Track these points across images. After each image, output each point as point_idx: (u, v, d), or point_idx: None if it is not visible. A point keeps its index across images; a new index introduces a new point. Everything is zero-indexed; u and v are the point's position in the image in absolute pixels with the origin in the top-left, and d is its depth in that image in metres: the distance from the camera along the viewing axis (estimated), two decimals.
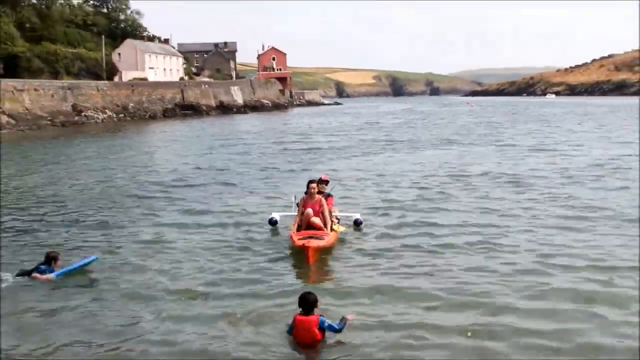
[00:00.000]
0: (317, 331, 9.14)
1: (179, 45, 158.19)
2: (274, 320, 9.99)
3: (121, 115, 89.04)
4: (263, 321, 9.98)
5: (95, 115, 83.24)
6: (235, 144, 45.97)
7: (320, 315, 9.30)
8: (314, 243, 13.56)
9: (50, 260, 12.64)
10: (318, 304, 9.43)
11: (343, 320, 9.41)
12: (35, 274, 12.37)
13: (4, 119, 67.33)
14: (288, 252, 14.21)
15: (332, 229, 15.04)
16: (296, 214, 15.56)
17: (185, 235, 16.07)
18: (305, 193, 15.65)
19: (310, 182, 15.70)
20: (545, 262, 13.13)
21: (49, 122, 73.51)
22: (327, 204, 15.53)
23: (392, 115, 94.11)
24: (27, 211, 20.36)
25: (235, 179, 26.74)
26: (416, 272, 12.61)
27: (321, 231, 14.61)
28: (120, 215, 19.12)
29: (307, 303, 9.30)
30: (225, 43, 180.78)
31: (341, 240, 15.20)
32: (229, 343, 9.32)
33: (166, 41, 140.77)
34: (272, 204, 19.97)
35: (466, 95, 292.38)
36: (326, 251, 14.05)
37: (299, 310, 9.35)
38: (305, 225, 14.88)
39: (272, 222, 16.52)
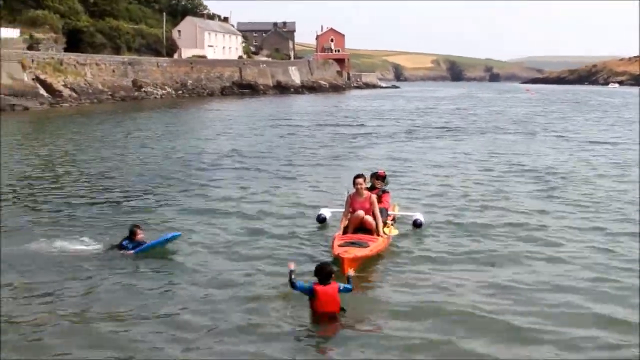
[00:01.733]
0: (338, 298, 9.33)
1: (238, 24, 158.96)
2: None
3: (180, 92, 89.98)
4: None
5: (155, 91, 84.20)
6: (289, 125, 45.75)
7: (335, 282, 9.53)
8: (351, 253, 11.58)
9: (130, 233, 12.78)
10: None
11: (349, 279, 9.71)
12: (121, 251, 12.52)
13: (67, 92, 68.47)
14: (331, 257, 12.04)
15: (383, 233, 13.13)
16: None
17: (213, 227, 14.89)
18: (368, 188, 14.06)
19: (357, 177, 13.67)
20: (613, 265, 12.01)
21: (109, 97, 74.60)
22: (383, 202, 14.09)
23: (449, 101, 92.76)
24: (95, 183, 20.93)
25: (281, 165, 25.34)
26: (474, 290, 10.70)
27: (369, 235, 12.78)
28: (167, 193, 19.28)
29: (325, 273, 9.43)
30: (285, 23, 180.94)
31: (393, 246, 13.34)
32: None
33: (226, 19, 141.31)
34: (321, 198, 18.41)
35: (526, 82, 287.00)
36: (371, 260, 12.19)
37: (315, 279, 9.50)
38: (354, 227, 13.09)
39: (321, 220, 14.94)
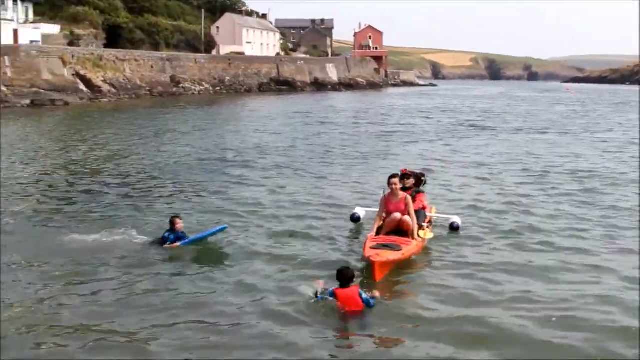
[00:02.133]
0: (359, 299, 9.48)
1: (277, 20, 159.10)
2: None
3: (217, 88, 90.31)
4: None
5: (192, 87, 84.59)
6: (325, 122, 45.51)
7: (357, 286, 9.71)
8: (383, 256, 11.19)
9: (170, 224, 12.88)
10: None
11: (374, 297, 9.75)
12: (166, 245, 12.61)
13: (106, 87, 69.10)
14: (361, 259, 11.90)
15: (418, 236, 12.66)
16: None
17: (246, 226, 14.67)
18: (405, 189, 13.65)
19: (392, 176, 13.24)
20: None
21: (147, 92, 75.12)
22: (417, 203, 13.62)
23: (487, 99, 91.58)
24: (136, 177, 21.24)
25: (315, 163, 25.18)
26: (505, 303, 10.09)
27: (403, 238, 12.31)
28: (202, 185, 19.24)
29: (345, 278, 9.67)
30: (323, 20, 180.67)
31: (427, 250, 12.93)
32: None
33: (264, 16, 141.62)
34: (355, 196, 18.10)
35: (566, 81, 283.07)
36: (404, 264, 11.80)
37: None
38: (388, 229, 12.66)
39: (355, 219, 14.56)
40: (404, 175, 14.26)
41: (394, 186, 12.98)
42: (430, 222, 14.01)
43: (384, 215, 12.97)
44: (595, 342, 8.74)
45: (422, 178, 15.56)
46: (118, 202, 17.33)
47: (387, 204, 12.98)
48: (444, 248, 13.20)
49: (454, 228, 14.14)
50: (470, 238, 13.96)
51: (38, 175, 21.54)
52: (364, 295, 9.56)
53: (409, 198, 13.02)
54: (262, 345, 8.53)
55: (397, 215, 12.66)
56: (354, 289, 9.57)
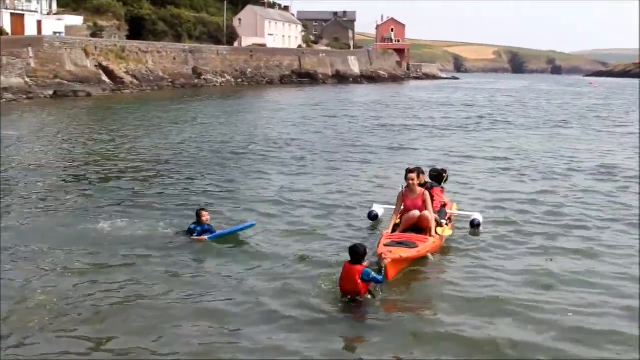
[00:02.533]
0: (359, 281, 9.44)
1: (299, 12, 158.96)
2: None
3: (239, 80, 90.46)
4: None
5: (214, 79, 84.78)
6: (345, 115, 45.33)
7: (366, 267, 9.62)
8: (396, 254, 10.79)
9: (197, 216, 12.94)
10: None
11: (382, 272, 9.94)
12: (193, 237, 12.68)
13: (128, 78, 69.45)
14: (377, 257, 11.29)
15: (436, 233, 12.29)
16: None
17: (264, 221, 14.48)
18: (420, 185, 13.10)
19: (409, 171, 12.86)
20: None
21: (169, 84, 75.39)
22: (436, 198, 13.32)
23: (509, 93, 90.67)
24: (157, 168, 21.29)
25: (334, 157, 24.87)
26: (514, 317, 9.33)
27: (420, 235, 11.96)
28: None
29: (357, 254, 9.63)
30: (345, 12, 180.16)
31: (445, 248, 12.54)
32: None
33: (286, 8, 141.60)
34: (374, 193, 17.75)
35: (589, 75, 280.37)
36: (418, 262, 11.44)
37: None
38: (405, 226, 12.29)
39: (373, 217, 14.19)
40: (417, 170, 13.56)
41: (411, 182, 12.61)
42: (450, 218, 13.65)
43: (400, 211, 12.66)
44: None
45: (444, 174, 15.21)
46: (144, 191, 17.58)
47: (404, 199, 12.65)
48: (462, 246, 12.86)
49: (474, 225, 13.77)
50: (490, 236, 13.57)
51: (64, 164, 21.92)
52: (371, 275, 9.47)
53: (427, 194, 12.62)
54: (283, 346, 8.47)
55: (416, 212, 12.27)
56: (357, 268, 9.48)
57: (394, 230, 12.39)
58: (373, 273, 9.56)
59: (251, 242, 12.85)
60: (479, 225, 13.76)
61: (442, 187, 14.85)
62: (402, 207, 12.66)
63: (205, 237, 12.63)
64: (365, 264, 9.67)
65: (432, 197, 13.09)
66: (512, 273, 11.29)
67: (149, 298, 9.81)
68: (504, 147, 28.83)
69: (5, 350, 8.00)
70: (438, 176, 14.99)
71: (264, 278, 10.78)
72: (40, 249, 11.94)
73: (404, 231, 12.23)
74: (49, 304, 9.42)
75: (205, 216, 12.90)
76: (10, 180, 18.60)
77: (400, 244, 11.43)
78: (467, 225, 13.99)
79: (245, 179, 19.92)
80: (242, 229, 12.99)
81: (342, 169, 22.29)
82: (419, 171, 13.45)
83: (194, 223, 12.87)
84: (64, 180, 19.02)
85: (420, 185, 13.22)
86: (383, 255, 10.63)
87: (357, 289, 9.47)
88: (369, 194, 17.84)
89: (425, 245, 11.70)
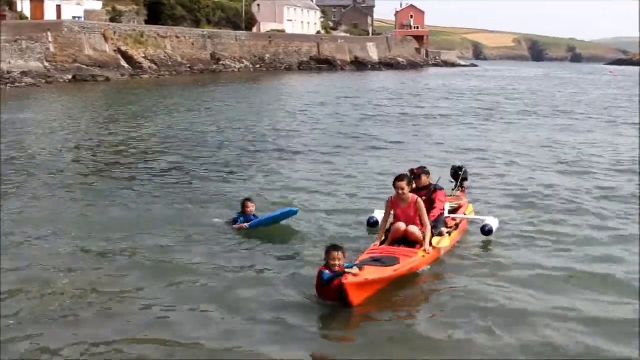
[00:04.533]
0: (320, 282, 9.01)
1: None
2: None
3: (257, 65, 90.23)
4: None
5: (233, 65, 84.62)
6: (362, 104, 44.13)
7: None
8: (359, 276, 8.98)
9: (242, 206, 12.78)
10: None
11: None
12: (234, 226, 12.53)
13: (146, 63, 69.42)
14: None
15: (429, 245, 10.55)
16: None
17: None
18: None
19: (397, 179, 10.80)
20: None
21: (187, 69, 75.31)
22: (437, 203, 11.58)
23: (528, 81, 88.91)
24: (183, 154, 21.33)
25: (347, 150, 23.14)
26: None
27: (408, 249, 10.34)
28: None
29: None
30: None
31: (441, 262, 10.82)
32: None
33: None
34: (380, 194, 15.11)
35: (609, 63, 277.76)
36: (401, 284, 9.68)
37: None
38: (393, 239, 10.62)
39: (372, 223, 12.31)
40: (415, 175, 11.94)
41: (400, 191, 10.67)
42: (457, 225, 11.95)
43: (388, 221, 11.01)
44: None
45: (459, 172, 13.87)
46: (175, 177, 17.50)
47: (394, 208, 10.89)
48: (459, 262, 11.03)
49: (485, 232, 11.83)
50: (502, 246, 11.86)
51: (95, 150, 21.91)
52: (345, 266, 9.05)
53: (421, 202, 10.80)
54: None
55: (402, 226, 10.59)
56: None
57: (383, 243, 10.77)
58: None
59: (289, 230, 12.51)
60: (490, 232, 11.81)
61: (463, 188, 13.84)
62: (393, 216, 10.96)
63: (245, 224, 12.41)
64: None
65: (433, 202, 11.61)
66: (516, 318, 8.93)
67: (170, 285, 9.70)
68: (522, 139, 27.24)
69: (22, 341, 7.82)
70: (455, 175, 13.95)
71: (264, 278, 10.17)
72: (70, 234, 11.85)
73: (392, 244, 10.60)
74: (74, 289, 9.33)
75: (250, 207, 12.62)
76: (37, 164, 18.75)
77: (376, 260, 9.75)
78: (479, 231, 12.06)
79: (282, 168, 19.39)
80: (282, 216, 12.55)
81: (349, 165, 20.33)
82: (421, 172, 12.09)
83: (238, 213, 12.71)
84: (93, 164, 19.10)
85: (424, 187, 11.85)
86: (342, 279, 8.80)
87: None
88: (373, 195, 15.77)
89: (410, 261, 10.01)
